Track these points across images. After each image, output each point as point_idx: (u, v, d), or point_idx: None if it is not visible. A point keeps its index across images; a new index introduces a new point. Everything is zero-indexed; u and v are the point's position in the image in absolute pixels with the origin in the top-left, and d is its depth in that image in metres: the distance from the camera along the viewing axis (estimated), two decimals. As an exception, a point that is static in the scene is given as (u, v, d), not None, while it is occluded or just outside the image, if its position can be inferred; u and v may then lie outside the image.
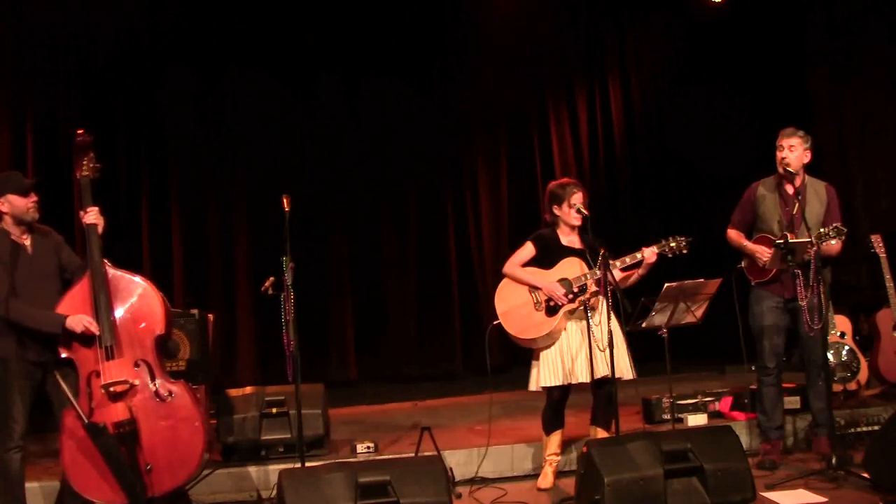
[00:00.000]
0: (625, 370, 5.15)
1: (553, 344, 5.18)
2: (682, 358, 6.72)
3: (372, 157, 9.09)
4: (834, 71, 9.60)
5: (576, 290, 5.15)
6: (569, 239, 5.32)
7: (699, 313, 5.52)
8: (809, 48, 9.75)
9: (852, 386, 6.57)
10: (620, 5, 9.82)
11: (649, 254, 5.14)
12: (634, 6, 9.82)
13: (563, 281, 5.18)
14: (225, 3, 8.62)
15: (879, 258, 6.19)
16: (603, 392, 5.19)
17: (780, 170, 5.38)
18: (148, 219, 8.52)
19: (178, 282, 8.51)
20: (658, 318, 5.42)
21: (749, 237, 5.56)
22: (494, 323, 5.28)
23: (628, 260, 5.16)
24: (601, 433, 5.22)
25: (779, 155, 5.38)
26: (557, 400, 5.26)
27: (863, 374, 6.63)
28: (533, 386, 5.25)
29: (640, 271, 5.21)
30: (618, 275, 5.16)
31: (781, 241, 5.21)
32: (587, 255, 5.21)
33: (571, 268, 5.20)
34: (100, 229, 4.54)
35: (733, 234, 5.62)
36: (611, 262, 5.11)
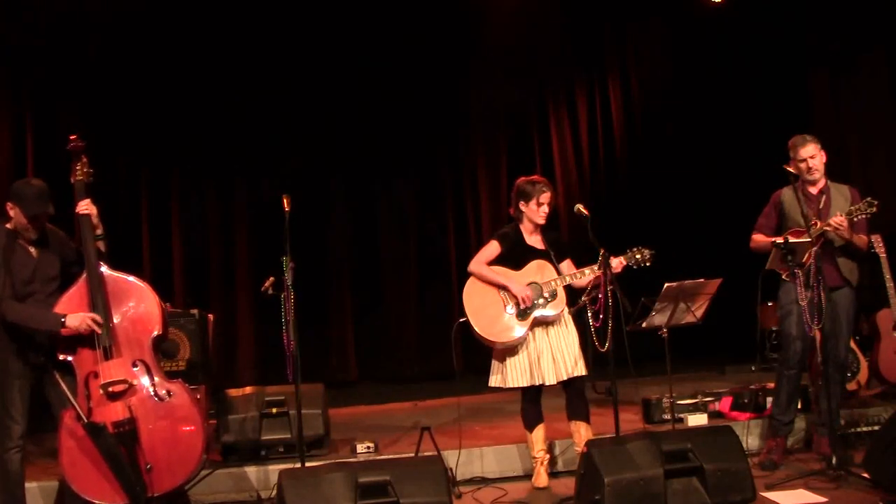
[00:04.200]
0: (580, 369, 5.18)
1: (519, 346, 5.18)
2: (682, 358, 6.73)
3: (372, 156, 9.10)
4: (834, 72, 9.60)
5: (546, 295, 5.14)
6: (533, 238, 5.32)
7: (699, 313, 5.52)
8: (809, 48, 9.75)
9: (852, 386, 6.56)
10: (620, 5, 9.83)
11: (616, 264, 5.11)
12: (634, 6, 9.83)
13: (531, 284, 5.18)
14: (226, 3, 8.62)
15: (879, 258, 6.19)
16: (573, 388, 5.23)
17: (810, 176, 5.44)
18: (148, 219, 8.54)
19: (178, 282, 8.53)
20: (658, 318, 5.42)
21: None
22: (461, 320, 5.24)
23: (587, 272, 5.13)
24: (582, 426, 5.21)
25: (803, 167, 5.43)
26: (532, 396, 5.29)
27: (863, 374, 6.63)
28: (495, 383, 5.28)
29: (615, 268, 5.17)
30: (585, 281, 5.17)
31: (781, 241, 5.23)
32: (551, 255, 5.24)
33: (540, 271, 5.21)
34: (94, 219, 4.53)
35: (759, 238, 5.62)
36: (572, 272, 5.18)
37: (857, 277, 5.50)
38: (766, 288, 5.50)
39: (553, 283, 5.16)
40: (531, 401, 5.31)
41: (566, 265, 5.31)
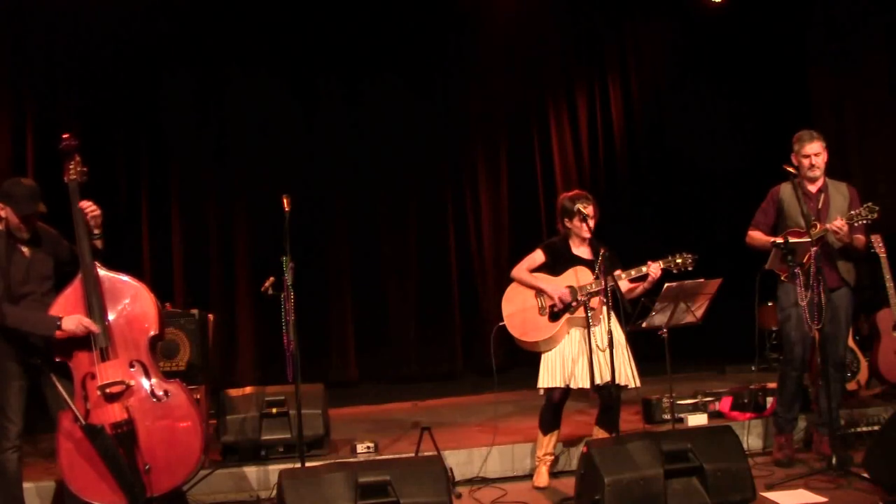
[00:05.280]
0: (630, 378, 5.17)
1: (554, 348, 5.22)
2: (682, 358, 6.72)
3: (372, 157, 9.10)
4: (834, 71, 9.60)
5: (582, 297, 5.16)
6: (580, 250, 5.36)
7: (699, 313, 5.51)
8: (809, 48, 9.75)
9: (852, 386, 6.56)
10: (620, 5, 9.82)
11: (655, 269, 5.16)
12: (634, 6, 9.83)
13: (569, 289, 5.20)
14: (226, 3, 8.62)
15: (879, 258, 6.18)
16: (607, 396, 5.21)
17: (811, 173, 5.44)
18: (148, 219, 8.53)
19: (178, 282, 8.52)
20: (658, 318, 5.41)
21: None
22: (499, 324, 5.35)
23: (633, 272, 5.18)
24: (603, 435, 5.23)
25: (805, 163, 5.44)
26: (557, 402, 5.28)
27: (863, 374, 6.63)
28: (539, 384, 5.28)
29: (645, 285, 5.23)
30: (624, 286, 5.20)
31: (781, 241, 5.23)
32: (595, 265, 5.23)
33: (578, 276, 5.23)
34: (99, 219, 4.52)
35: (757, 235, 5.61)
36: (617, 273, 5.15)
37: (855, 278, 5.50)
38: (764, 288, 5.50)
39: (589, 286, 5.16)
40: (554, 406, 5.30)
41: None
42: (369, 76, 9.08)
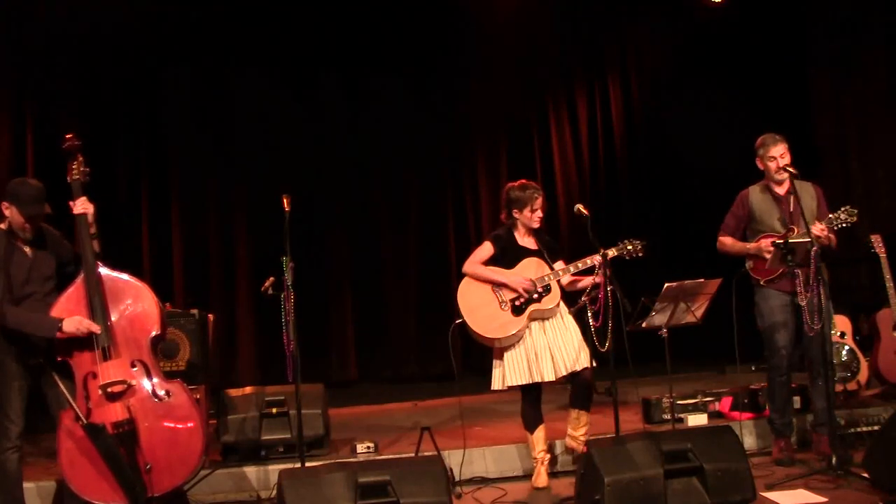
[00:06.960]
0: (582, 361, 5.16)
1: (518, 343, 5.19)
2: (682, 358, 6.72)
3: (372, 156, 9.11)
4: (834, 71, 9.60)
5: (540, 289, 5.16)
6: (525, 240, 5.36)
7: (699, 313, 5.52)
8: (809, 48, 9.75)
9: (852, 386, 6.57)
10: (620, 5, 9.83)
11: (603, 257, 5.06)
12: (634, 6, 9.83)
13: (530, 280, 5.20)
14: (226, 2, 8.63)
15: (879, 258, 6.19)
16: (578, 380, 5.22)
17: (779, 176, 5.45)
18: (148, 219, 8.54)
19: (178, 282, 8.53)
20: (658, 318, 5.42)
21: (744, 241, 5.59)
22: (457, 322, 5.26)
23: (579, 265, 5.16)
24: (576, 412, 5.24)
25: (772, 165, 5.46)
26: (533, 396, 5.29)
27: (863, 374, 6.63)
28: (497, 385, 5.28)
29: (597, 278, 5.08)
30: (567, 279, 5.21)
31: (781, 241, 5.23)
32: (544, 254, 5.27)
33: (532, 268, 5.24)
34: (90, 217, 4.52)
35: (729, 241, 5.63)
36: (563, 267, 5.18)
37: (829, 276, 5.51)
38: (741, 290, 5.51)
39: (546, 277, 5.18)
40: (531, 402, 5.31)
41: (558, 265, 5.32)
42: (370, 76, 9.09)
